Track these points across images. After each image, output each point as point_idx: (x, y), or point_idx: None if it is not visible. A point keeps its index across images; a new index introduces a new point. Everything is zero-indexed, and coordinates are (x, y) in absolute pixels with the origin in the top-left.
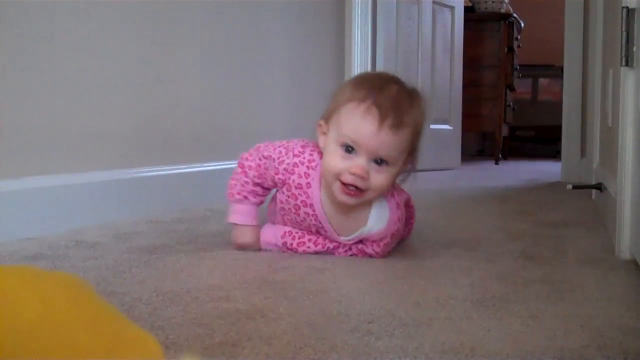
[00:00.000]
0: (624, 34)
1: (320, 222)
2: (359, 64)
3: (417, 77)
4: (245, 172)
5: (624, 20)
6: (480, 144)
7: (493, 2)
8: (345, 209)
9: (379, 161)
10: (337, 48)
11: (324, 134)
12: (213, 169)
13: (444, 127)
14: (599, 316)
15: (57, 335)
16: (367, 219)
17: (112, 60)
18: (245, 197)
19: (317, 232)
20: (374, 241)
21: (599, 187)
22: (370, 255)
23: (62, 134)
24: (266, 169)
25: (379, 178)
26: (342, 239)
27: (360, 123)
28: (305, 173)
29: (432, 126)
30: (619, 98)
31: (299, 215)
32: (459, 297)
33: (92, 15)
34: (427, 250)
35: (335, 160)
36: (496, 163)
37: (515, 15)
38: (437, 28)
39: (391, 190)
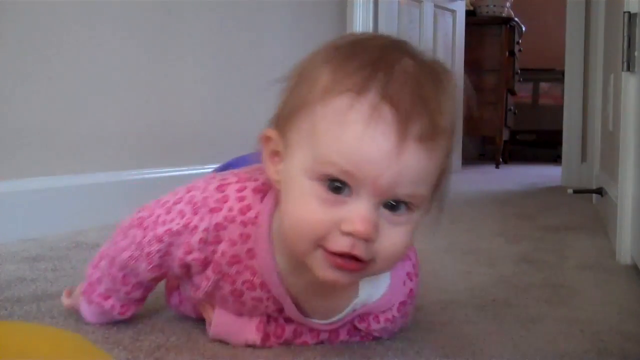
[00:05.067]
0: (626, 38)
1: (280, 304)
2: None
3: None
4: (125, 266)
5: (625, 25)
6: (480, 147)
7: (494, 6)
8: (326, 288)
9: (395, 205)
10: None
11: (277, 154)
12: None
13: None
14: (599, 321)
15: None
16: (357, 288)
17: (113, 62)
18: (113, 306)
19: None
20: (374, 315)
21: (599, 191)
22: (367, 337)
23: (63, 135)
24: (168, 253)
25: (393, 236)
26: (316, 321)
27: (361, 137)
28: (241, 235)
29: None
30: (620, 102)
31: (243, 304)
32: (459, 301)
33: (93, 19)
34: (427, 254)
35: (311, 209)
36: (497, 167)
37: (516, 19)
38: (439, 31)
39: None
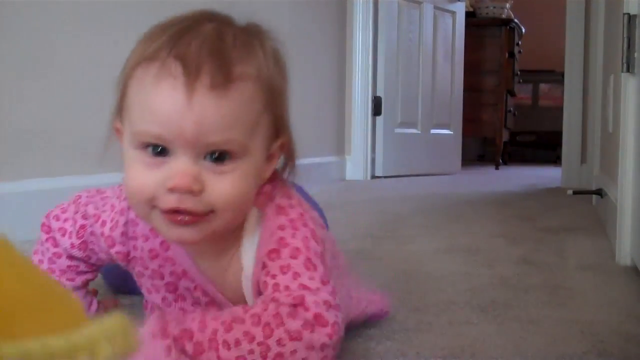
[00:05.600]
0: (625, 40)
1: (208, 292)
2: (360, 68)
3: (417, 82)
4: (54, 239)
5: (625, 27)
6: (480, 149)
7: (494, 7)
8: (209, 253)
9: (216, 155)
10: (338, 52)
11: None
12: None
13: (444, 132)
14: (599, 322)
15: None
16: (240, 256)
17: (114, 63)
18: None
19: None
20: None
21: (599, 192)
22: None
23: (64, 136)
24: (92, 234)
25: (222, 185)
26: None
27: (155, 97)
28: (152, 230)
29: (433, 131)
30: (619, 104)
31: (183, 298)
32: (459, 302)
33: (94, 20)
34: (427, 255)
35: (139, 176)
36: (496, 168)
37: (516, 20)
38: (439, 33)
39: (272, 202)
